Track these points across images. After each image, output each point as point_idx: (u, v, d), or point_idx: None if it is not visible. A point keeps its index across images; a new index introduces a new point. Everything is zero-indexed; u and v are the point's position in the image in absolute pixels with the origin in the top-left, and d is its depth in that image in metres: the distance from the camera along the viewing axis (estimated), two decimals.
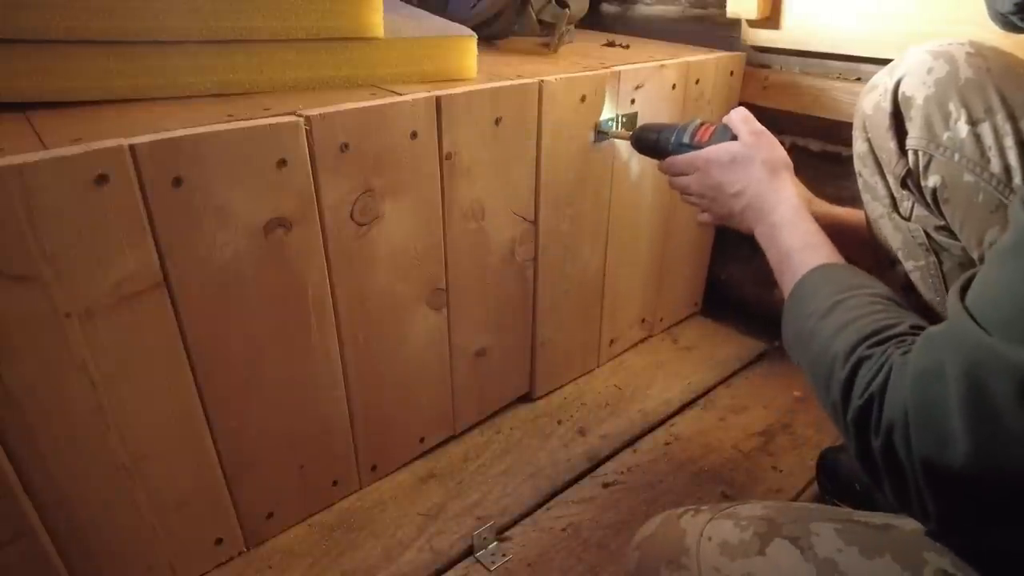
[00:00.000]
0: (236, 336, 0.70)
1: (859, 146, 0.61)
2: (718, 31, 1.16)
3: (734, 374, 1.17)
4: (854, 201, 1.08)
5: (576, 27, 1.08)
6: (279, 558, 0.81)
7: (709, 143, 0.70)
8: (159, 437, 0.68)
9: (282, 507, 0.83)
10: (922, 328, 0.43)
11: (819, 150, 1.09)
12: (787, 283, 0.56)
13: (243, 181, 0.64)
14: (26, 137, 0.58)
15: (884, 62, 0.95)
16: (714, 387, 1.14)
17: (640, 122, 0.99)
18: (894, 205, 0.59)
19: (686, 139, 0.73)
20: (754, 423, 1.05)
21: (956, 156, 0.52)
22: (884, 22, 0.95)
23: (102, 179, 0.56)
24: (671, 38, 1.23)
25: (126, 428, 0.65)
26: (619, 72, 0.93)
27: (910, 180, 0.56)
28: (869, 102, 0.59)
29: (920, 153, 0.54)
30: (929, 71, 0.53)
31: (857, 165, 0.62)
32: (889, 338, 0.43)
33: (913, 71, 0.55)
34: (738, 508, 0.54)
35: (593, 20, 1.35)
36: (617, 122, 0.96)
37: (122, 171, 0.57)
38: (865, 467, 0.42)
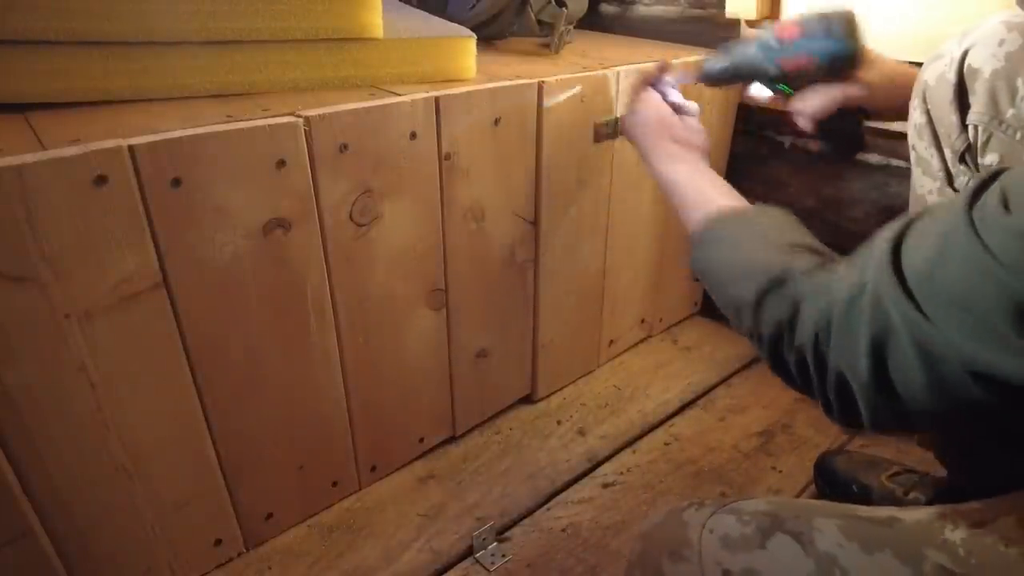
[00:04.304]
0: (235, 337, 0.70)
1: (917, 117, 0.58)
2: (717, 32, 1.16)
3: (734, 374, 1.17)
4: (854, 202, 1.09)
5: (575, 28, 1.08)
6: (279, 559, 0.81)
7: (804, 40, 0.66)
8: (159, 438, 0.68)
9: (282, 508, 0.83)
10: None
11: (819, 150, 1.08)
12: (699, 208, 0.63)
13: (242, 181, 0.64)
14: (25, 138, 0.57)
15: None
16: (714, 387, 1.14)
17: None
18: (949, 180, 0.57)
19: (774, 44, 0.68)
20: (754, 423, 1.05)
21: (1019, 135, 0.49)
22: (884, 22, 0.95)
23: (101, 180, 0.56)
24: (670, 39, 1.23)
25: (125, 429, 0.65)
26: (618, 72, 0.93)
27: (968, 155, 0.54)
28: (932, 72, 0.55)
29: (980, 129, 0.51)
30: (1001, 43, 0.50)
31: (911, 137, 0.59)
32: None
33: (983, 41, 0.51)
34: (741, 504, 0.54)
35: (592, 21, 1.35)
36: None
37: (121, 172, 0.57)
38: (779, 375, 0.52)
